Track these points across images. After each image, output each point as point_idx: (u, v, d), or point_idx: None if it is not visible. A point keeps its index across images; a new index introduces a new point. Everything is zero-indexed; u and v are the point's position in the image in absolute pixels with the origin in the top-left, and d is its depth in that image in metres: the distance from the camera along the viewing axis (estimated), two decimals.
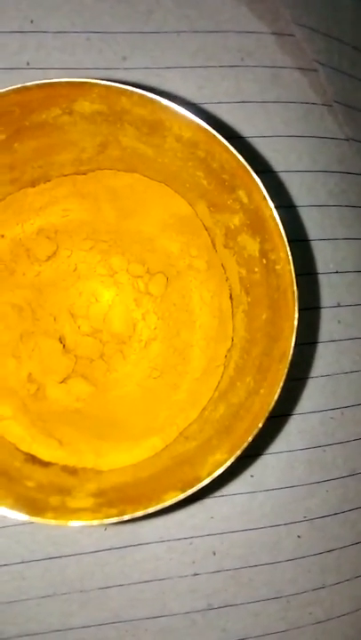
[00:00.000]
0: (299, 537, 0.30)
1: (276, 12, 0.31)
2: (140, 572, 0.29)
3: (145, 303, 0.29)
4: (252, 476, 0.30)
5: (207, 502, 0.29)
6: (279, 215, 0.21)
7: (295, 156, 0.31)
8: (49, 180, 0.27)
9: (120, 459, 0.25)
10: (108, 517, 0.19)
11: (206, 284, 0.28)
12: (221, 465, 0.20)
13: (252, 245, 0.24)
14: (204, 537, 0.29)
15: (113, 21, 0.30)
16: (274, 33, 0.32)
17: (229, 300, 0.27)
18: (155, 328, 0.29)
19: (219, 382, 0.27)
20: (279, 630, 0.30)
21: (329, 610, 0.31)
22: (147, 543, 0.29)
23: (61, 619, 0.28)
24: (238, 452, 0.20)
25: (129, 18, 0.30)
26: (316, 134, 0.32)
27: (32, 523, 0.28)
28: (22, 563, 0.28)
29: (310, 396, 0.31)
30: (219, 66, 0.31)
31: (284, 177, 0.31)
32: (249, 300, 0.25)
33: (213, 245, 0.27)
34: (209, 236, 0.27)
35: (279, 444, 0.30)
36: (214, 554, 0.29)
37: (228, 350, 0.27)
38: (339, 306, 0.32)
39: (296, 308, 0.21)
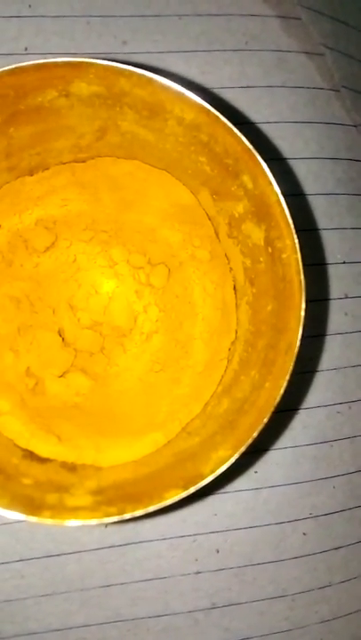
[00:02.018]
0: (304, 534, 0.29)
1: None
2: (142, 571, 0.28)
3: (146, 295, 0.28)
4: (256, 472, 0.29)
5: (210, 499, 0.28)
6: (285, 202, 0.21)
7: (302, 143, 0.30)
8: (47, 169, 0.26)
9: (120, 454, 0.24)
10: (108, 516, 0.18)
11: (209, 275, 0.27)
12: (225, 462, 0.19)
13: (257, 234, 0.23)
14: (207, 534, 0.28)
15: (113, 5, 0.29)
16: (279, 16, 0.31)
17: (233, 292, 0.26)
18: (156, 320, 0.28)
19: (222, 376, 0.26)
20: (284, 629, 0.29)
21: (336, 608, 0.30)
22: (148, 541, 0.28)
23: (61, 618, 0.28)
24: (243, 449, 0.19)
25: (130, 1, 0.29)
26: (323, 120, 0.31)
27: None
28: (21, 561, 0.27)
29: (316, 390, 0.30)
30: (222, 50, 0.30)
31: (290, 164, 0.30)
32: (254, 290, 0.24)
33: (217, 235, 0.26)
34: (212, 225, 0.26)
35: (284, 439, 0.29)
36: (217, 552, 0.29)
37: (232, 343, 0.26)
38: (346, 297, 0.31)
39: (303, 298, 0.20)
